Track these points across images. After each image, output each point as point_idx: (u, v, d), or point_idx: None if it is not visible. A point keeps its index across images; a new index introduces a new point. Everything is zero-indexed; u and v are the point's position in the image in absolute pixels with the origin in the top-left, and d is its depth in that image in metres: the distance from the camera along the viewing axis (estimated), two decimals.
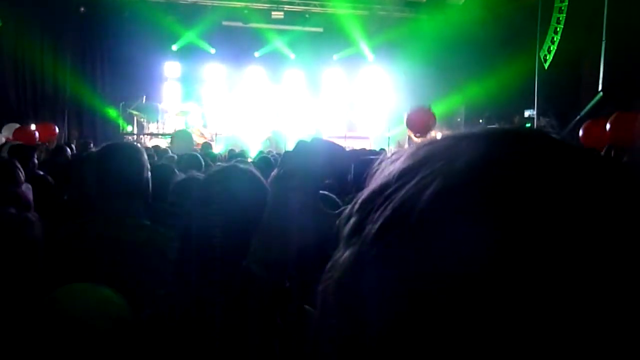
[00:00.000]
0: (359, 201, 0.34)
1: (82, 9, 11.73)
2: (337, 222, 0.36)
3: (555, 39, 9.57)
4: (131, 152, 1.91)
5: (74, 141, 8.39)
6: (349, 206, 0.35)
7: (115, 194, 1.73)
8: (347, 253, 0.33)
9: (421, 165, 0.32)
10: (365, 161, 0.61)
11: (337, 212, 0.64)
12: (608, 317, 0.26)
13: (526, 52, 10.07)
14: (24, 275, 1.54)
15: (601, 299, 0.26)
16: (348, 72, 13.83)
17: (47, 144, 6.50)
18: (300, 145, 0.69)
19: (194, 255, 1.07)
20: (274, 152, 7.22)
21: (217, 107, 12.74)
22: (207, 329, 1.03)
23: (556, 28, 9.64)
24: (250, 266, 0.72)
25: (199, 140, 10.00)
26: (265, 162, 4.60)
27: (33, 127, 8.38)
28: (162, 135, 11.19)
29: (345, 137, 11.60)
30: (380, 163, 0.36)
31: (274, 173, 0.69)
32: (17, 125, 7.09)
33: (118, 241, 1.64)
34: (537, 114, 9.68)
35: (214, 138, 10.86)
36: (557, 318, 0.26)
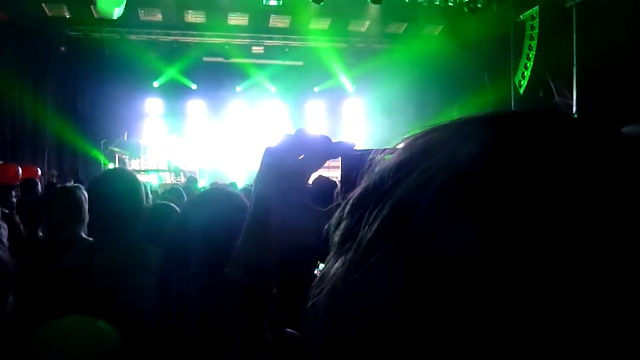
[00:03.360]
0: (350, 202, 0.30)
1: (63, 48, 11.77)
2: (326, 226, 0.32)
3: (528, 65, 9.89)
4: (130, 177, 1.89)
5: (53, 179, 8.28)
6: (339, 206, 0.31)
7: (113, 220, 1.71)
8: (339, 262, 0.29)
9: (420, 157, 0.28)
10: (355, 156, 0.59)
11: (326, 209, 0.62)
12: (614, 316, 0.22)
13: (501, 79, 10.38)
14: None
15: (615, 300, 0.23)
16: (329, 104, 14.01)
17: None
18: (284, 138, 0.64)
19: (174, 270, 1.06)
20: None
21: (200, 141, 12.74)
22: (190, 342, 1.00)
23: (528, 54, 9.98)
24: (231, 272, 0.69)
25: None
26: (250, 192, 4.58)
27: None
28: (144, 171, 11.10)
29: (328, 167, 11.64)
30: (371, 160, 0.32)
31: (258, 170, 0.66)
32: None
33: (116, 268, 1.62)
34: None
35: (198, 171, 10.81)
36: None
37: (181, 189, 4.82)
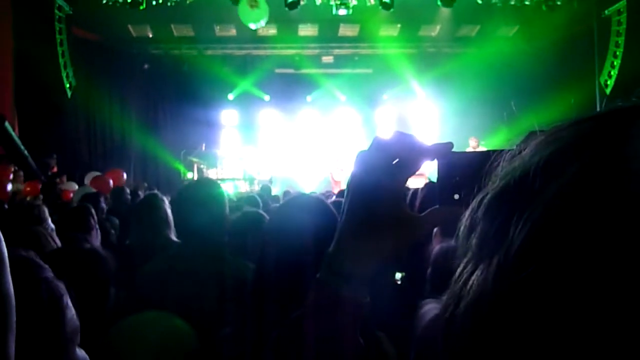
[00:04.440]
0: (485, 203, 0.28)
1: (146, 65, 12.58)
2: (457, 233, 0.30)
3: (615, 63, 9.23)
4: (214, 187, 1.98)
5: (141, 187, 8.81)
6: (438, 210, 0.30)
7: (198, 229, 1.79)
8: (479, 269, 0.26)
9: (569, 152, 0.25)
10: (454, 158, 0.57)
11: (423, 214, 0.60)
12: None
13: (584, 79, 9.75)
14: (95, 307, 1.60)
15: None
16: (400, 110, 13.85)
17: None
18: (377, 141, 0.60)
19: (272, 280, 1.08)
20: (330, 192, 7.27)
21: (273, 150, 13.07)
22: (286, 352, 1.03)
23: (615, 52, 9.32)
24: (324, 279, 0.68)
25: None
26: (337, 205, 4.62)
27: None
28: (221, 180, 11.53)
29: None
30: (494, 161, 0.29)
31: (351, 175, 0.65)
32: (97, 174, 7.58)
33: (202, 274, 1.69)
34: None
35: (271, 180, 11.09)
36: None
37: (257, 197, 4.96)
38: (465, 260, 0.28)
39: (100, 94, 11.18)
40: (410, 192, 3.50)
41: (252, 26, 10.25)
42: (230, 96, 13.58)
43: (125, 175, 9.65)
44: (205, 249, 1.80)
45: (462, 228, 0.29)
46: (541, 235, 0.24)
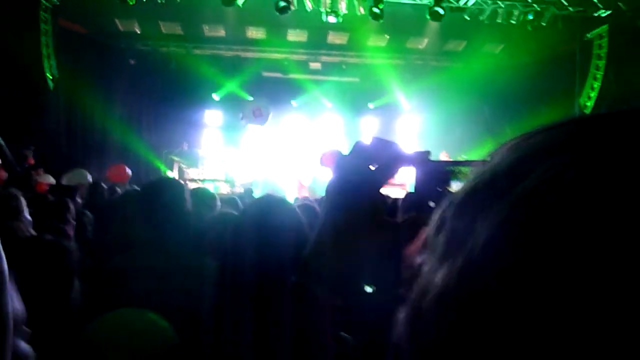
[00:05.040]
0: (454, 205, 0.29)
1: (132, 61, 12.44)
2: (426, 232, 0.31)
3: (595, 86, 9.47)
4: (175, 185, 1.99)
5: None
6: (416, 217, 0.32)
7: (161, 225, 1.80)
8: (445, 266, 0.27)
9: (540, 154, 0.26)
10: (431, 166, 0.58)
11: (403, 221, 0.62)
12: None
13: (564, 98, 9.97)
14: (58, 299, 1.57)
15: None
16: (384, 120, 13.95)
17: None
18: (357, 146, 0.62)
19: (228, 277, 1.09)
20: (312, 198, 7.27)
21: (255, 153, 13.02)
22: (241, 346, 1.03)
23: (595, 75, 9.56)
24: (306, 284, 0.69)
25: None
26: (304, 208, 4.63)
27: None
28: (201, 180, 11.44)
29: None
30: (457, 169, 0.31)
31: (331, 179, 0.66)
32: (82, 171, 7.46)
33: (165, 270, 1.68)
34: None
35: (253, 183, 11.04)
36: None
37: (237, 199, 4.94)
38: (432, 257, 0.29)
39: (84, 87, 11.01)
40: (391, 202, 3.54)
41: None
42: (216, 97, 13.51)
43: (129, 172, 9.62)
44: (165, 245, 1.81)
45: (431, 227, 0.30)
46: (505, 232, 0.24)
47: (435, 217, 0.30)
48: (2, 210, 2.48)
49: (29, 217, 2.71)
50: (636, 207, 0.22)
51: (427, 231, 0.30)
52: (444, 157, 10.16)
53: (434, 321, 0.27)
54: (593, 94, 9.59)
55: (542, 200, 0.24)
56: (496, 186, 0.26)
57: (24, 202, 2.71)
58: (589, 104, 9.69)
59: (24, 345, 1.04)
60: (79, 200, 5.12)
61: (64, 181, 6.83)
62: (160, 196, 1.87)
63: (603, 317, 0.21)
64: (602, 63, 9.45)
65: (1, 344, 0.77)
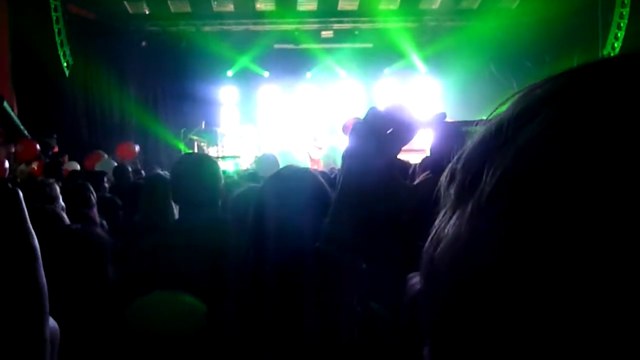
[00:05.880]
0: (463, 158, 0.29)
1: (144, 43, 12.43)
2: (438, 185, 0.31)
3: (619, 35, 9.12)
4: (209, 162, 1.99)
5: (140, 165, 8.83)
6: (431, 180, 0.33)
7: (196, 203, 1.81)
8: (456, 216, 0.28)
9: (542, 103, 0.26)
10: (448, 127, 0.58)
11: (414, 184, 0.62)
12: None
13: (587, 52, 9.63)
14: (92, 284, 1.61)
15: None
16: (401, 85, 13.75)
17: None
18: (372, 113, 0.63)
19: (254, 251, 1.10)
20: (331, 168, 7.26)
21: (273, 127, 13.03)
22: (287, 321, 1.04)
23: (619, 24, 9.20)
24: (323, 248, 0.69)
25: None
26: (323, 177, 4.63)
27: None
28: (221, 157, 11.53)
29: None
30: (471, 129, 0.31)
31: (347, 146, 0.65)
32: (109, 161, 7.62)
33: (200, 248, 1.70)
34: None
35: (268, 156, 11.07)
36: None
37: (259, 173, 4.96)
38: (444, 209, 0.29)
39: (98, 72, 11.09)
40: (412, 167, 3.51)
41: None
42: (230, 73, 13.46)
43: (137, 148, 9.82)
44: (199, 223, 1.81)
45: (443, 181, 0.31)
46: (511, 177, 0.25)
47: (447, 171, 0.31)
48: (37, 196, 2.56)
49: (62, 204, 2.80)
50: (630, 162, 0.22)
51: (439, 186, 0.31)
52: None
53: (447, 271, 0.28)
54: (617, 44, 9.25)
55: (546, 143, 0.24)
56: (502, 134, 0.27)
57: (57, 188, 2.81)
58: (613, 54, 9.36)
59: (50, 320, 1.08)
60: (106, 185, 5.21)
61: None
62: (200, 175, 1.87)
63: (598, 261, 0.22)
64: (626, 11, 9.06)
65: (40, 314, 0.81)
